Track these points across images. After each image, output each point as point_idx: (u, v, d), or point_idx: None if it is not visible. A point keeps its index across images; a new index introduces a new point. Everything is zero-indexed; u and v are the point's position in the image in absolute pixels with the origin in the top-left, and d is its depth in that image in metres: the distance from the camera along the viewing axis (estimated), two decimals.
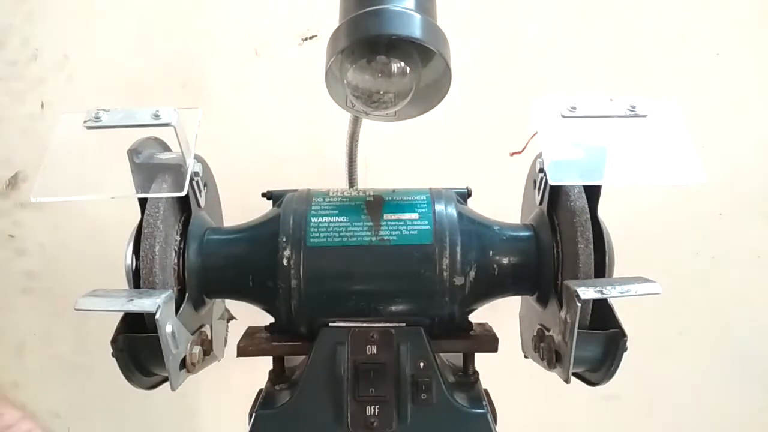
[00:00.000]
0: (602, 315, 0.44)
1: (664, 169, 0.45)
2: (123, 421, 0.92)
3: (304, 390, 0.46)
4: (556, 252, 0.47)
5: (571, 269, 0.45)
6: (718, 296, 0.91)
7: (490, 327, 0.53)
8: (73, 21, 0.88)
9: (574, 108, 0.43)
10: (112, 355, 0.43)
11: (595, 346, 0.44)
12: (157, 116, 0.42)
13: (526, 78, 0.88)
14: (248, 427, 0.47)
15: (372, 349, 0.46)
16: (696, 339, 0.92)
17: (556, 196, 0.48)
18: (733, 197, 0.90)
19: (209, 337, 0.50)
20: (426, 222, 0.48)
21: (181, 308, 0.45)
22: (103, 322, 0.43)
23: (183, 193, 0.44)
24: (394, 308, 0.48)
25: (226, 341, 0.58)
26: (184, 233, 0.48)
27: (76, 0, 0.88)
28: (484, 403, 0.48)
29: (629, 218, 0.77)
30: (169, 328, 0.41)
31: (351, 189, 0.55)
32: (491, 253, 0.49)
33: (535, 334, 0.50)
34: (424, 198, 0.50)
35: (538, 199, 0.51)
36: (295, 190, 0.52)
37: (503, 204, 0.57)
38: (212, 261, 0.49)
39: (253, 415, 0.47)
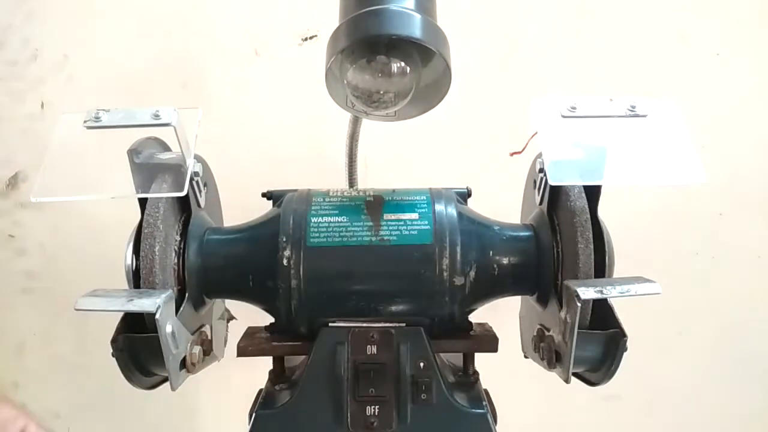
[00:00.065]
0: (602, 315, 0.44)
1: (664, 169, 0.45)
2: (123, 421, 0.92)
3: (304, 390, 0.46)
4: (556, 252, 0.47)
5: (571, 269, 0.45)
6: (718, 296, 0.91)
7: (490, 327, 0.53)
8: (73, 21, 0.88)
9: (574, 108, 0.43)
10: (112, 355, 0.43)
11: (595, 346, 0.44)
12: (157, 116, 0.42)
13: (526, 78, 0.88)
14: (248, 427, 0.47)
15: (372, 349, 0.46)
16: (696, 339, 0.92)
17: (556, 196, 0.48)
18: (733, 197, 0.90)
19: (209, 337, 0.50)
20: (426, 222, 0.48)
21: (181, 308, 0.45)
22: (103, 322, 0.43)
23: (183, 193, 0.44)
24: (394, 308, 0.48)
25: (226, 341, 0.58)
26: (184, 233, 0.48)
27: (76, 0, 0.88)
28: (484, 403, 0.47)
29: (629, 218, 0.77)
30: (169, 328, 0.41)
31: (351, 189, 0.55)
32: (491, 253, 0.49)
33: (535, 334, 0.50)
34: (424, 198, 0.50)
35: (538, 199, 0.51)
36: (295, 190, 0.52)
37: (503, 204, 0.57)
38: (212, 261, 0.49)
39: (253, 415, 0.47)
